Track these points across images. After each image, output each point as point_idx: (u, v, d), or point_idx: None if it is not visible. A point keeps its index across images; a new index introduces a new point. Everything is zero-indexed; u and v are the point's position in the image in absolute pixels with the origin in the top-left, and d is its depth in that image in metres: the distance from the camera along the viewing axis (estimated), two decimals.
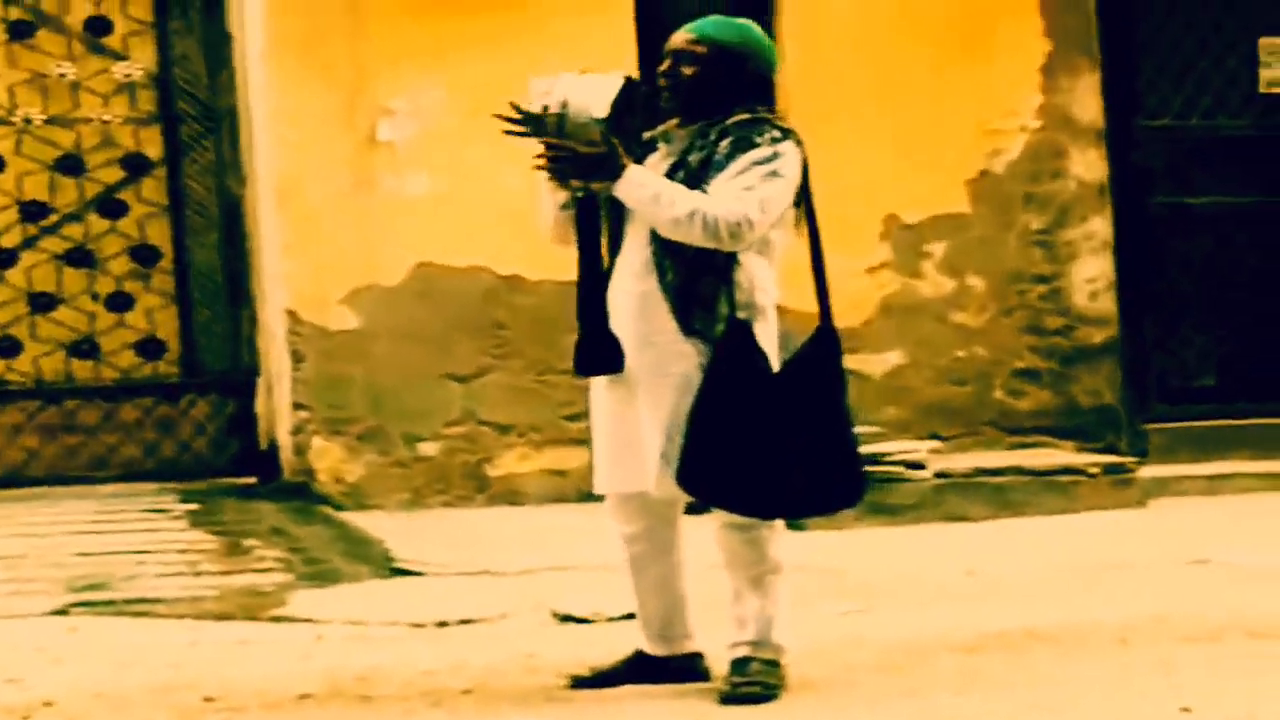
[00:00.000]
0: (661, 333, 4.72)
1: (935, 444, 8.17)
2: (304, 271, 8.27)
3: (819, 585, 6.39)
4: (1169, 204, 9.05)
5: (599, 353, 4.75)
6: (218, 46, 8.67)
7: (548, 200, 4.84)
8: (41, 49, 8.58)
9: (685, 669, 4.96)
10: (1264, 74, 9.13)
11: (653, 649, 4.99)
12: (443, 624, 5.95)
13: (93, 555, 6.98)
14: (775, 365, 4.74)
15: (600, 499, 4.99)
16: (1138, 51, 9.07)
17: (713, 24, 4.85)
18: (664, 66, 4.82)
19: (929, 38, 8.69)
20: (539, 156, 4.70)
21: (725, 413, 4.61)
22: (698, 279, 4.67)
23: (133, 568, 6.78)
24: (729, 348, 4.64)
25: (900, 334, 8.65)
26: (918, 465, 7.83)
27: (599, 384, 4.85)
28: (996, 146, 8.77)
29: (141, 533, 7.43)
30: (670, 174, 4.73)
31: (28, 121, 8.54)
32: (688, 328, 4.69)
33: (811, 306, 4.85)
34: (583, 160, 4.65)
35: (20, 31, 8.55)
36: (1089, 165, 8.86)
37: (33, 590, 6.46)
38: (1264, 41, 9.13)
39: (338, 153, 8.27)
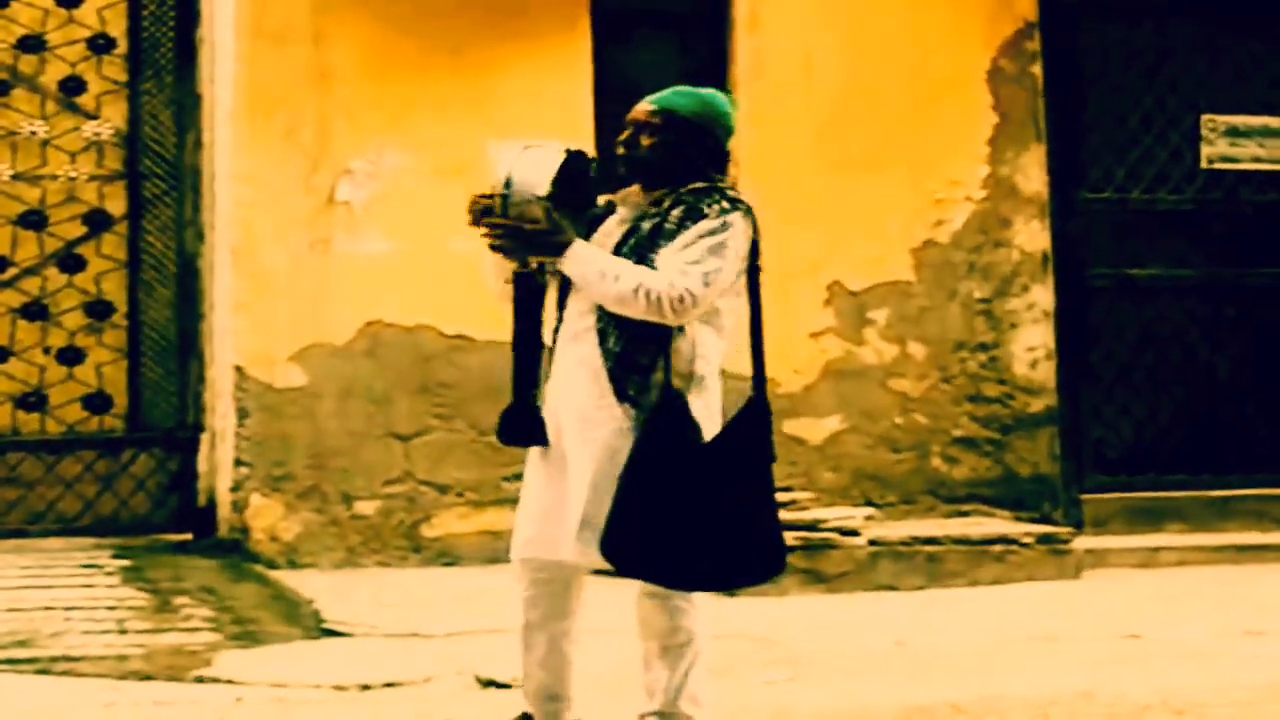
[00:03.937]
0: (597, 398, 4.69)
1: (870, 511, 8.17)
2: (254, 329, 8.25)
3: (749, 653, 6.37)
4: (1110, 275, 9.10)
5: (521, 423, 4.80)
6: (188, 107, 8.68)
7: (494, 272, 4.87)
8: (15, 108, 8.62)
9: None
10: (1206, 150, 9.18)
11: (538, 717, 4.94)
12: (366, 687, 5.91)
13: (21, 611, 6.94)
14: (710, 435, 4.69)
15: None
16: (1083, 125, 9.12)
17: (673, 95, 4.83)
18: (623, 136, 4.83)
19: (877, 108, 8.74)
20: (485, 235, 4.73)
21: (652, 485, 4.57)
22: (639, 347, 4.65)
23: (60, 624, 6.74)
24: (661, 418, 4.60)
25: (840, 400, 8.67)
26: (852, 533, 7.81)
27: (535, 449, 4.85)
28: (941, 216, 8.81)
29: (73, 589, 7.39)
30: (623, 240, 4.75)
31: None
32: (621, 394, 4.66)
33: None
34: (528, 238, 4.69)
35: None
36: (1032, 236, 8.91)
37: None
38: (1206, 118, 9.19)
39: (295, 212, 8.27)
